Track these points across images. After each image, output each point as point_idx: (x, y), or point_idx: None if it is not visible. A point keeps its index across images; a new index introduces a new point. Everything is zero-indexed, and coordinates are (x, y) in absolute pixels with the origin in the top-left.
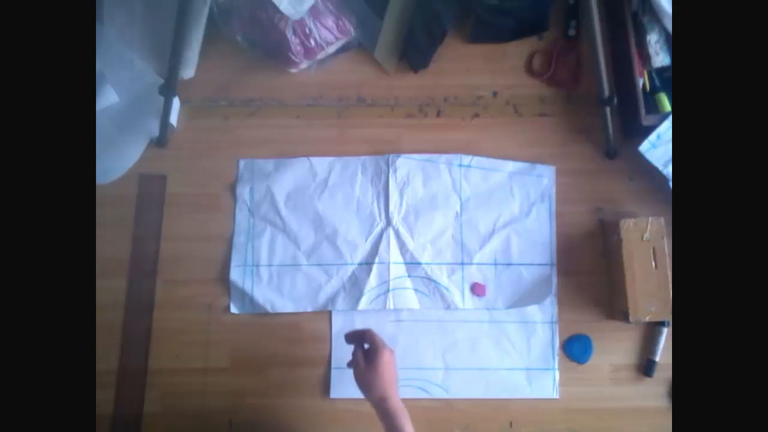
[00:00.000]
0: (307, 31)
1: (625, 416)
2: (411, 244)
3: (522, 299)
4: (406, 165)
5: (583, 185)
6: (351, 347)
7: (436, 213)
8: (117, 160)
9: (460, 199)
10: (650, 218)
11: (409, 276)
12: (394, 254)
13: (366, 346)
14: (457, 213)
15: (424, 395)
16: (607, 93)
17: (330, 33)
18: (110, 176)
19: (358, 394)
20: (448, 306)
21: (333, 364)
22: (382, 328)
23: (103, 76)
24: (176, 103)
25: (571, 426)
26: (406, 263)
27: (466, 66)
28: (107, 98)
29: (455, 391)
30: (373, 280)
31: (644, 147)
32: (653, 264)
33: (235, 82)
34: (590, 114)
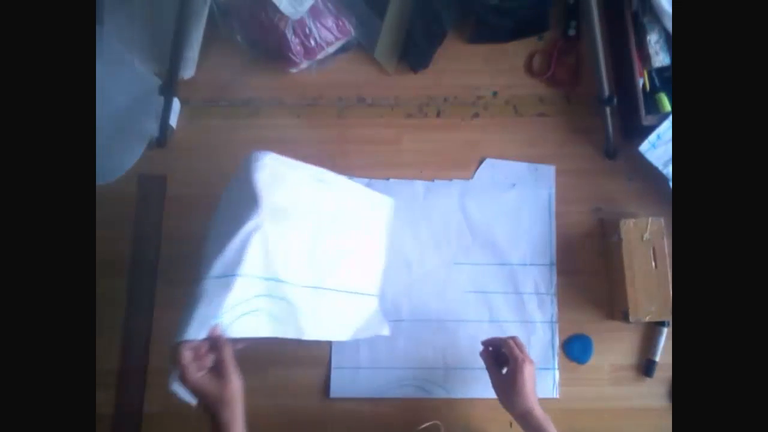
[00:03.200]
0: (307, 31)
1: (625, 416)
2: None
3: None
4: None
5: (583, 185)
6: (353, 347)
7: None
8: (117, 160)
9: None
10: (650, 218)
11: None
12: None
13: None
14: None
15: (424, 395)
16: (607, 93)
17: (330, 33)
18: (110, 176)
19: (358, 393)
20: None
21: (333, 364)
22: None
23: (102, 76)
24: (176, 103)
25: (571, 426)
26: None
27: (466, 66)
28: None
29: (455, 391)
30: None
31: (644, 147)
32: (653, 264)
33: (235, 82)
34: (590, 114)
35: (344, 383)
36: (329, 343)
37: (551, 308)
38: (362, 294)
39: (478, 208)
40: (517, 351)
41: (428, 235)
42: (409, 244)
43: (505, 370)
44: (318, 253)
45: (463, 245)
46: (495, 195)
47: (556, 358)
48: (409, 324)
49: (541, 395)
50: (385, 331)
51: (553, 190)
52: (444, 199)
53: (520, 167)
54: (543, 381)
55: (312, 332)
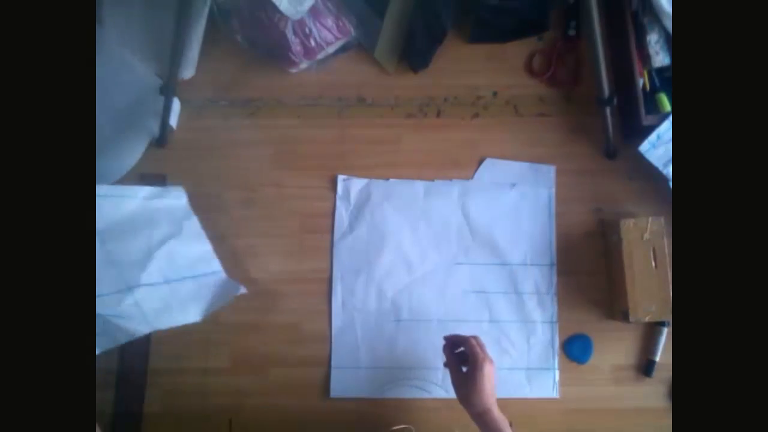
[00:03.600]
0: (307, 31)
1: (625, 416)
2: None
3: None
4: None
5: (583, 185)
6: (353, 347)
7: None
8: (117, 160)
9: None
10: (650, 218)
11: None
12: None
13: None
14: None
15: (424, 395)
16: (607, 93)
17: (330, 33)
18: (111, 177)
19: (358, 393)
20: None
21: (333, 364)
22: (382, 328)
23: (102, 76)
24: (176, 103)
25: (571, 426)
26: None
27: (466, 66)
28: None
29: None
30: None
31: (644, 147)
32: (653, 264)
33: (235, 82)
34: (590, 114)
35: (344, 383)
36: (329, 343)
37: (551, 308)
38: (198, 276)
39: (478, 208)
40: (477, 349)
41: (428, 235)
42: (409, 244)
43: (465, 369)
44: (117, 258)
45: (463, 245)
46: (495, 195)
47: (556, 358)
48: (409, 324)
49: (541, 395)
50: (242, 290)
51: (553, 190)
52: (444, 199)
53: (520, 167)
54: (543, 381)
55: (145, 328)
